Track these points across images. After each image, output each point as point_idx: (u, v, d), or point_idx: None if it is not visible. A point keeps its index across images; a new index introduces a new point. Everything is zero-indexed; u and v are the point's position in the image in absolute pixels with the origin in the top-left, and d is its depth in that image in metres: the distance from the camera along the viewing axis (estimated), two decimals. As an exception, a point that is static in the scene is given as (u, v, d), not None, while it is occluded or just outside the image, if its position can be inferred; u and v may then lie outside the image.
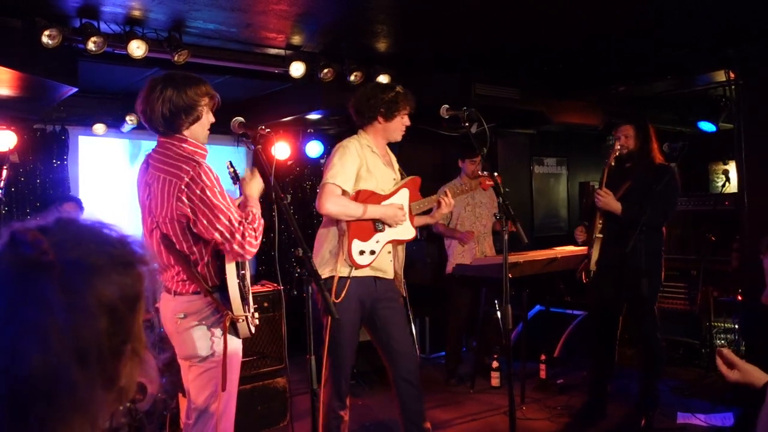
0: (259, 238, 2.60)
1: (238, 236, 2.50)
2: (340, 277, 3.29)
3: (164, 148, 2.62)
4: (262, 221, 2.68)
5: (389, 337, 3.41)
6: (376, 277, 3.39)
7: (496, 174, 3.34)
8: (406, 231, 3.47)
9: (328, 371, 3.36)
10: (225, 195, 2.57)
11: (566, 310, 6.08)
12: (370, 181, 3.38)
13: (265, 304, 4.41)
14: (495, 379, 5.25)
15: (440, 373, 5.73)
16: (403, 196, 3.48)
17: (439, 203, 3.56)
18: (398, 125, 3.47)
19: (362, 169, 3.36)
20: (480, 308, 5.38)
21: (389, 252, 3.43)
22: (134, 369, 0.88)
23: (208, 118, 2.68)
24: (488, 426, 4.48)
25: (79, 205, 5.12)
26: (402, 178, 3.56)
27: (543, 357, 5.24)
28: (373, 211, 3.31)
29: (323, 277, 3.17)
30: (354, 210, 3.28)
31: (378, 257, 3.36)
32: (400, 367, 3.40)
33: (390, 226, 3.38)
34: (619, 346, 4.50)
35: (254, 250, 2.56)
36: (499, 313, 5.50)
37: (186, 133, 2.62)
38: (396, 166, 3.59)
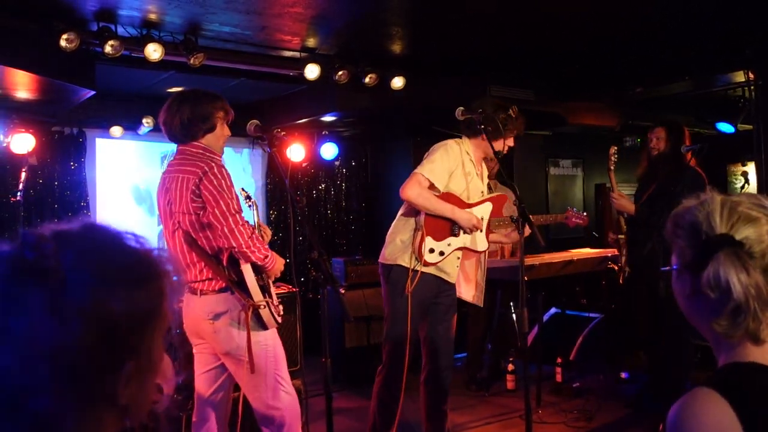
0: (258, 252, 2.79)
1: (231, 220, 2.69)
2: (413, 269, 3.42)
3: (182, 153, 2.89)
4: (272, 257, 2.87)
5: (434, 332, 3.59)
6: (439, 277, 3.52)
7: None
8: (479, 242, 3.57)
9: (386, 356, 3.54)
10: (233, 190, 2.78)
11: (582, 312, 6.02)
12: (460, 186, 3.49)
13: (279, 301, 4.42)
14: (510, 382, 5.22)
15: (457, 376, 5.67)
16: (485, 209, 3.59)
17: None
18: (498, 148, 3.51)
19: (458, 170, 3.47)
20: (495, 311, 5.35)
21: (458, 258, 3.56)
22: (142, 388, 0.84)
23: (222, 130, 2.92)
24: (504, 429, 4.46)
25: None
26: (489, 193, 3.70)
27: (559, 360, 5.20)
28: (452, 211, 3.41)
29: (389, 263, 3.47)
30: (433, 204, 3.38)
31: (446, 260, 3.49)
32: (437, 363, 3.59)
33: (465, 232, 3.49)
34: (636, 349, 4.47)
35: (239, 240, 2.70)
36: (514, 316, 5.47)
37: (202, 141, 2.87)
38: (486, 181, 3.70)
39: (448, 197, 3.44)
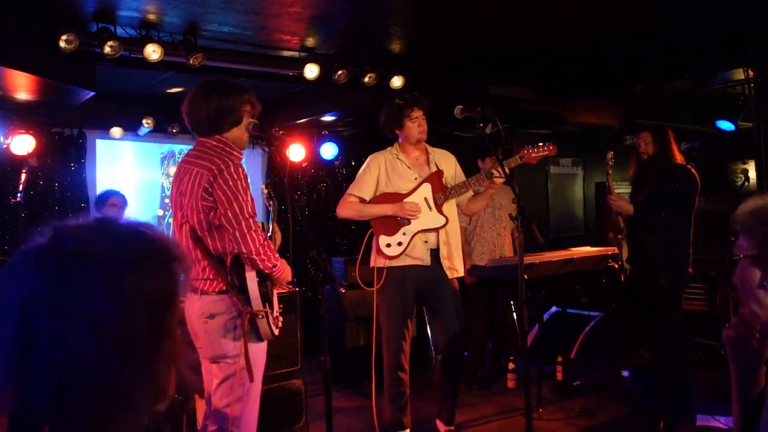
0: (268, 261, 2.68)
1: (243, 225, 2.59)
2: (378, 267, 3.84)
3: (201, 146, 2.76)
4: (281, 266, 2.75)
5: (437, 316, 3.93)
6: (416, 265, 3.80)
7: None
8: (433, 220, 3.82)
9: (385, 344, 3.87)
10: (248, 192, 2.67)
11: (582, 311, 6.02)
12: (392, 185, 3.87)
13: (281, 306, 4.42)
14: (511, 381, 5.22)
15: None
16: (423, 191, 3.84)
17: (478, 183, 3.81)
18: (412, 129, 3.85)
19: (382, 176, 3.89)
20: (496, 310, 5.35)
21: (425, 242, 3.82)
22: (169, 368, 0.89)
23: (245, 125, 2.80)
24: (505, 428, 4.45)
25: (123, 199, 5.14)
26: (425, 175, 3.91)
27: (559, 359, 5.20)
28: (382, 209, 3.82)
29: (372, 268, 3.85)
30: (362, 211, 3.87)
31: (410, 247, 3.78)
32: (446, 340, 3.90)
33: (409, 219, 3.77)
34: (637, 346, 4.48)
35: (250, 247, 2.61)
36: (515, 315, 5.48)
37: (226, 135, 2.75)
38: (432, 165, 3.92)
39: (381, 198, 3.87)
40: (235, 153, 2.75)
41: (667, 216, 4.14)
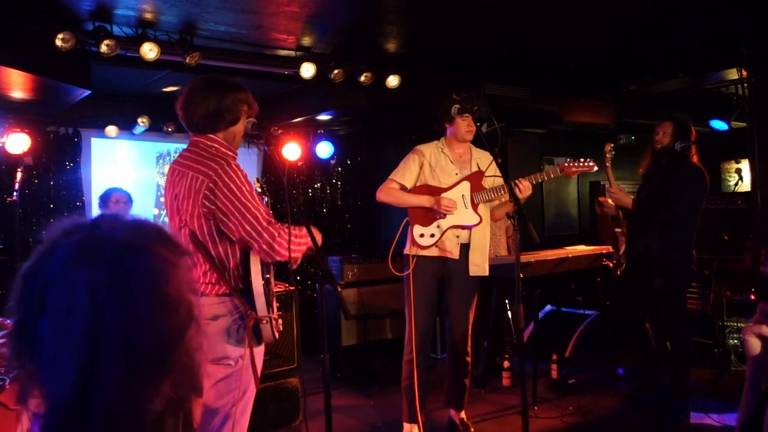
0: (293, 248, 2.61)
1: (266, 236, 2.52)
2: (409, 255, 3.98)
3: (195, 146, 2.68)
4: (306, 239, 2.69)
5: (450, 310, 4.10)
6: (444, 257, 3.95)
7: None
8: (467, 218, 3.95)
9: (408, 332, 4.00)
10: (254, 194, 2.59)
11: (577, 309, 6.06)
12: (434, 177, 3.99)
13: (278, 305, 4.43)
14: (506, 379, 5.24)
15: (452, 373, 5.73)
16: (463, 188, 3.96)
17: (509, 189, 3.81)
18: (461, 127, 3.94)
19: (425, 167, 4.01)
20: (491, 308, 5.37)
21: (457, 236, 3.95)
22: (189, 356, 0.91)
23: (244, 124, 2.75)
24: (500, 425, 4.48)
25: (128, 196, 5.11)
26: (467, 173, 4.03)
27: (554, 357, 5.23)
28: (417, 200, 3.95)
29: (403, 255, 4.02)
30: (400, 199, 3.99)
31: (442, 240, 3.93)
32: (452, 335, 4.10)
33: (444, 214, 3.89)
34: (632, 344, 4.50)
35: (283, 253, 2.55)
36: (510, 313, 5.50)
37: (221, 135, 2.68)
38: (474, 163, 4.03)
39: (421, 189, 3.98)
40: (230, 153, 2.68)
41: (661, 216, 4.10)
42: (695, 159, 4.32)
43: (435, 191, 3.96)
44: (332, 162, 7.53)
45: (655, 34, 4.80)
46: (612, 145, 4.49)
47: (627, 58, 5.43)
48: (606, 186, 4.45)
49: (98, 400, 0.80)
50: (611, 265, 4.60)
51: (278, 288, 4.65)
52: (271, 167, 7.00)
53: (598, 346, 5.66)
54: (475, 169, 4.03)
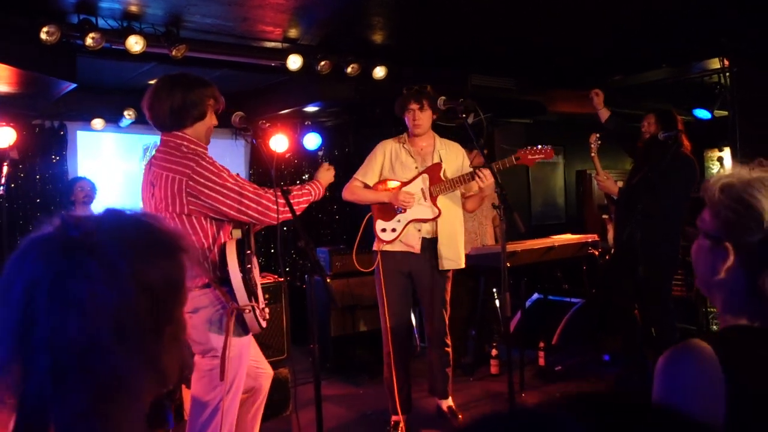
0: (297, 207, 2.78)
1: (261, 208, 2.65)
2: (374, 251, 4.04)
3: (166, 146, 2.70)
4: (309, 194, 2.93)
5: (423, 303, 4.11)
6: (408, 252, 3.95)
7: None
8: (425, 211, 3.94)
9: (383, 328, 4.02)
10: (232, 174, 2.67)
11: (564, 298, 6.13)
12: (393, 172, 4.02)
13: (266, 296, 4.45)
14: (494, 367, 5.30)
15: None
16: (421, 181, 3.96)
17: (466, 181, 3.86)
18: (408, 120, 4.00)
19: (386, 163, 4.05)
20: (479, 297, 5.42)
21: (418, 230, 3.95)
22: (175, 354, 0.92)
23: (211, 119, 2.76)
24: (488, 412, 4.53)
25: (92, 185, 5.31)
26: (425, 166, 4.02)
27: (541, 344, 5.29)
28: (376, 195, 3.99)
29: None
30: (361, 196, 4.06)
31: (404, 234, 3.94)
32: (428, 329, 4.15)
33: (403, 208, 3.91)
34: (617, 332, 4.57)
35: (272, 215, 2.70)
36: (497, 302, 5.56)
37: (188, 131, 2.70)
38: (436, 155, 4.02)
39: (383, 184, 4.03)
40: (199, 149, 2.69)
41: (645, 206, 4.15)
42: (686, 148, 4.37)
43: (394, 186, 4.00)
44: (320, 153, 7.50)
45: (639, 25, 4.84)
46: (598, 135, 4.58)
47: (611, 48, 5.47)
48: (593, 174, 4.52)
49: (32, 395, 0.82)
50: (596, 253, 4.65)
51: (267, 279, 4.68)
52: (260, 159, 7.00)
53: (584, 334, 5.74)
54: (437, 161, 4.02)
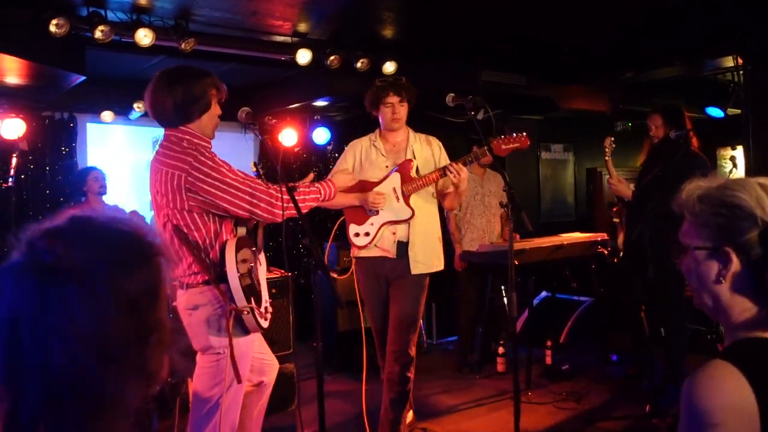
0: (303, 205, 2.74)
1: (262, 204, 2.60)
2: (353, 258, 3.81)
3: (169, 141, 2.65)
4: (318, 193, 2.87)
5: (392, 309, 3.71)
6: (384, 257, 3.68)
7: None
8: (399, 212, 3.67)
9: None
10: (233, 170, 2.62)
11: (572, 296, 6.10)
12: (364, 173, 3.75)
13: (273, 291, 4.45)
14: (501, 365, 5.28)
15: (448, 359, 5.78)
16: (393, 181, 3.69)
17: (439, 177, 3.62)
18: (385, 114, 3.70)
19: (357, 164, 3.79)
20: (486, 295, 5.40)
21: (393, 233, 3.67)
22: (161, 357, 0.92)
23: (215, 110, 2.70)
24: (493, 411, 4.52)
25: (104, 175, 5.26)
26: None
27: (549, 343, 5.27)
28: (348, 199, 3.66)
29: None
30: (332, 201, 3.53)
31: (378, 238, 3.66)
32: (393, 334, 3.69)
33: (377, 209, 3.65)
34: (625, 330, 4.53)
35: (277, 213, 2.64)
36: (505, 300, 5.53)
37: (193, 125, 2.64)
38: (409, 152, 3.75)
39: (355, 187, 3.65)
40: (202, 143, 2.64)
41: (655, 206, 4.10)
42: (695, 146, 4.31)
43: (366, 187, 3.70)
44: (329, 148, 7.52)
45: (651, 21, 4.79)
46: (612, 138, 4.51)
47: (624, 45, 5.42)
48: (606, 177, 4.46)
49: (24, 413, 0.82)
50: (606, 252, 4.61)
51: (274, 274, 4.67)
52: (268, 153, 6.99)
53: (592, 333, 5.70)
54: (410, 157, 3.75)
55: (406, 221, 3.66)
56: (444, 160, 3.80)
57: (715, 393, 1.15)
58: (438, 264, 3.76)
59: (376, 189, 3.67)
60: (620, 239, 4.45)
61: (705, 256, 1.28)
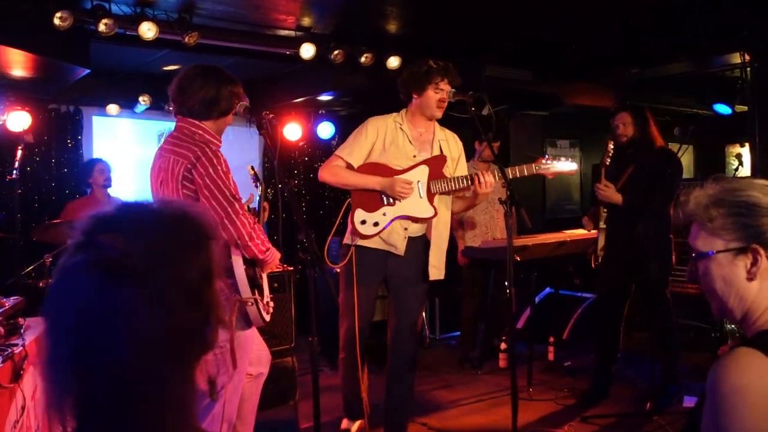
0: (261, 244, 2.66)
1: (240, 228, 2.56)
2: (345, 244, 3.47)
3: (180, 131, 2.70)
4: (270, 250, 2.74)
5: (392, 314, 3.56)
6: (387, 252, 3.43)
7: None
8: (420, 209, 3.40)
9: (342, 334, 3.56)
10: (230, 179, 2.62)
11: (575, 292, 6.08)
12: (386, 156, 3.43)
13: (275, 285, 4.45)
14: (503, 361, 5.27)
15: (450, 354, 5.78)
16: (419, 173, 3.42)
17: (471, 183, 3.39)
18: (431, 100, 3.39)
19: (378, 144, 3.44)
20: (488, 291, 5.40)
21: (405, 228, 3.42)
22: (217, 332, 0.95)
23: (231, 117, 2.80)
24: (494, 406, 4.52)
25: (109, 167, 5.36)
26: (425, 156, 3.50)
27: (551, 339, 5.26)
28: (367, 180, 3.38)
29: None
30: (346, 179, 3.43)
31: (387, 231, 3.39)
32: (392, 341, 3.57)
33: (396, 199, 3.38)
34: (628, 329, 4.50)
35: (251, 245, 2.59)
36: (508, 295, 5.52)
37: (208, 123, 2.71)
38: (436, 146, 3.51)
39: (367, 168, 3.42)
40: (213, 141, 2.68)
41: (654, 207, 4.06)
42: (661, 143, 4.25)
43: (385, 173, 3.39)
44: (333, 142, 7.50)
45: (658, 17, 4.75)
46: (613, 143, 4.36)
47: (630, 41, 5.38)
48: (596, 184, 4.33)
49: (95, 409, 0.84)
50: (591, 257, 4.46)
51: (273, 269, 4.67)
52: (267, 149, 6.99)
53: (593, 330, 5.68)
54: (437, 152, 3.47)
55: (425, 220, 3.43)
56: (463, 163, 3.63)
57: (743, 374, 1.17)
58: (443, 272, 3.59)
59: (405, 176, 3.38)
60: (601, 244, 4.28)
61: (731, 257, 1.29)
